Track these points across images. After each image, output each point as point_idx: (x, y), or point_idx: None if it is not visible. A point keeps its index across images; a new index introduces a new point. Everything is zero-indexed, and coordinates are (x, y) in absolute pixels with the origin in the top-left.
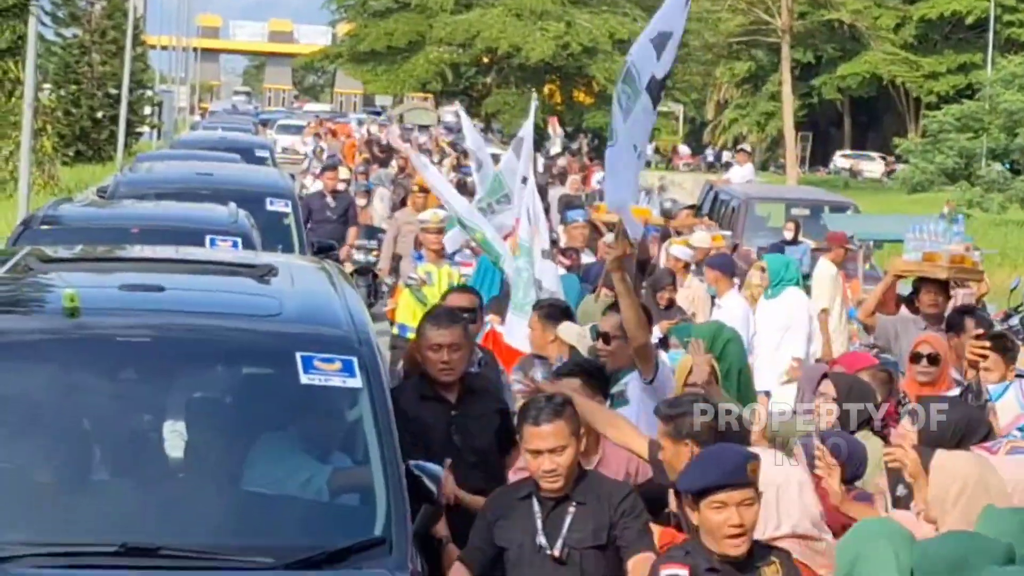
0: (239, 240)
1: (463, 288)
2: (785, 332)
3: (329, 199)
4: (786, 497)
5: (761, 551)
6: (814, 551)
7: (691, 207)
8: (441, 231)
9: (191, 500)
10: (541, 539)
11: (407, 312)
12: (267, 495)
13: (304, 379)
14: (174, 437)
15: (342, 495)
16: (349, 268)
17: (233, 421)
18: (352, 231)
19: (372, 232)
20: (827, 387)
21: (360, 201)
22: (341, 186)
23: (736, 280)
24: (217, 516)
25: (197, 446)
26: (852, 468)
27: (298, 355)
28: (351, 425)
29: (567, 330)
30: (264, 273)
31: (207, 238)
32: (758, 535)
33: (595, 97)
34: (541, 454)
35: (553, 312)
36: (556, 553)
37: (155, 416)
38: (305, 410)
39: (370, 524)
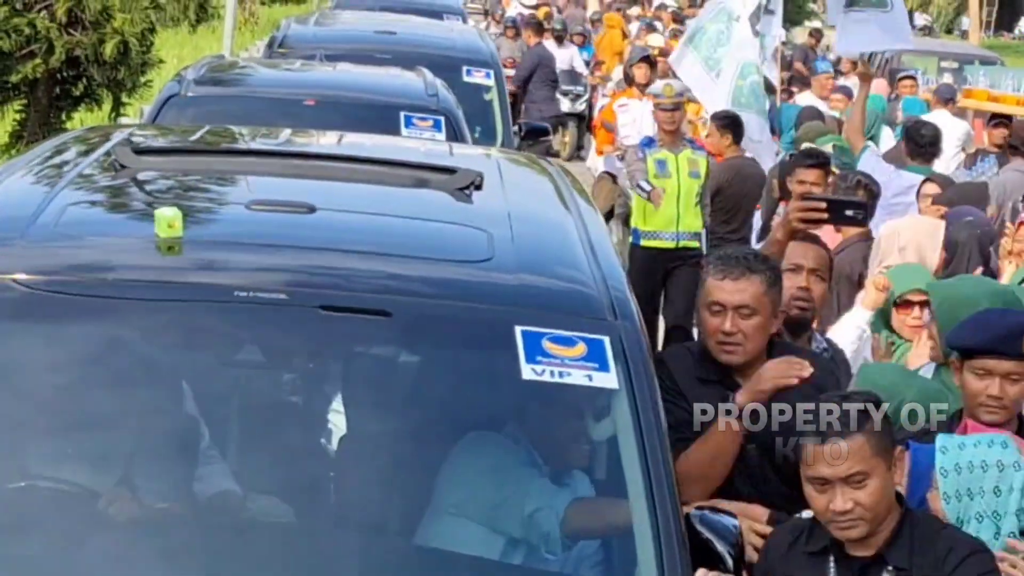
0: (441, 121)
1: (810, 236)
2: None
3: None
4: None
5: None
6: None
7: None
8: (677, 107)
9: (340, 566)
10: None
11: (638, 211)
12: (458, 561)
13: (527, 371)
14: (317, 462)
15: (583, 570)
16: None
17: (411, 439)
18: None
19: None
20: None
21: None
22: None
23: None
24: None
25: (352, 479)
26: None
27: (518, 331)
28: (599, 451)
29: None
30: (466, 185)
31: (401, 115)
32: None
33: None
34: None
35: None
36: None
37: (290, 423)
38: (526, 423)
39: None
